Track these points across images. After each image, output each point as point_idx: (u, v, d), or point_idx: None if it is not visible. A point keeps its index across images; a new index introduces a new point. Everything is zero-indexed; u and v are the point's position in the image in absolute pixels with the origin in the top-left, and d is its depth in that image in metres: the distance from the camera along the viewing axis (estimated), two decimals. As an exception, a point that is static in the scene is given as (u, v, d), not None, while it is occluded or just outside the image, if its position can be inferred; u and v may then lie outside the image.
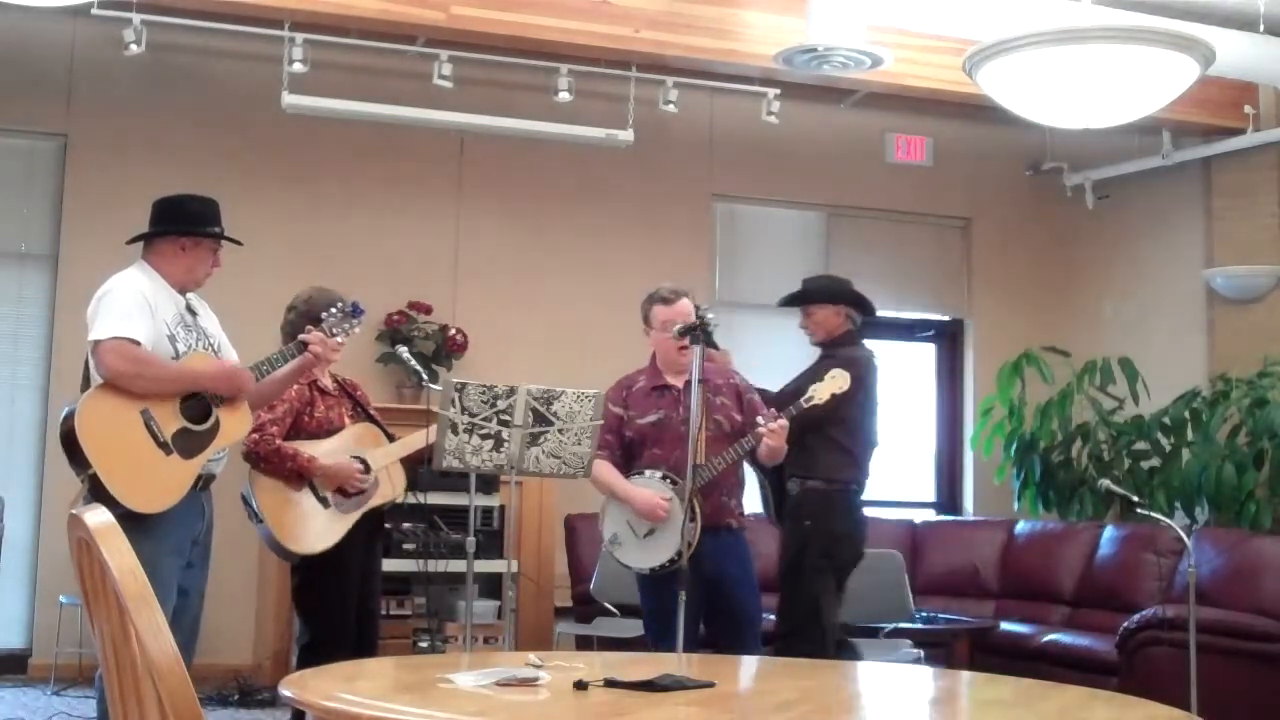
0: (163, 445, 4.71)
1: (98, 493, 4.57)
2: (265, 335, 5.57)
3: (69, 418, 4.64)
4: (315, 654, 5.66)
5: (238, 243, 5.16)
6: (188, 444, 4.77)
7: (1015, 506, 9.80)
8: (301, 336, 5.21)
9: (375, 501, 5.87)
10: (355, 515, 5.79)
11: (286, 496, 5.71)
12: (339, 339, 5.34)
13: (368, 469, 5.82)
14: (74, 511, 2.39)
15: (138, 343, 4.69)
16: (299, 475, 5.70)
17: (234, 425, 4.93)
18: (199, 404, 4.81)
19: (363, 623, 5.92)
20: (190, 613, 4.96)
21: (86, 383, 4.79)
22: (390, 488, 5.94)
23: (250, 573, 8.37)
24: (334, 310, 5.33)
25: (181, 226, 5.02)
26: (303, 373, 5.35)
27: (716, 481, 5.64)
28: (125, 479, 4.62)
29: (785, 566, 6.22)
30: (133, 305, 4.75)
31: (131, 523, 4.47)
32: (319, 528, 5.74)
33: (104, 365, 4.67)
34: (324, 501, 5.76)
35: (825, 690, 3.64)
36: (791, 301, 6.67)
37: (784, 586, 6.23)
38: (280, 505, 5.71)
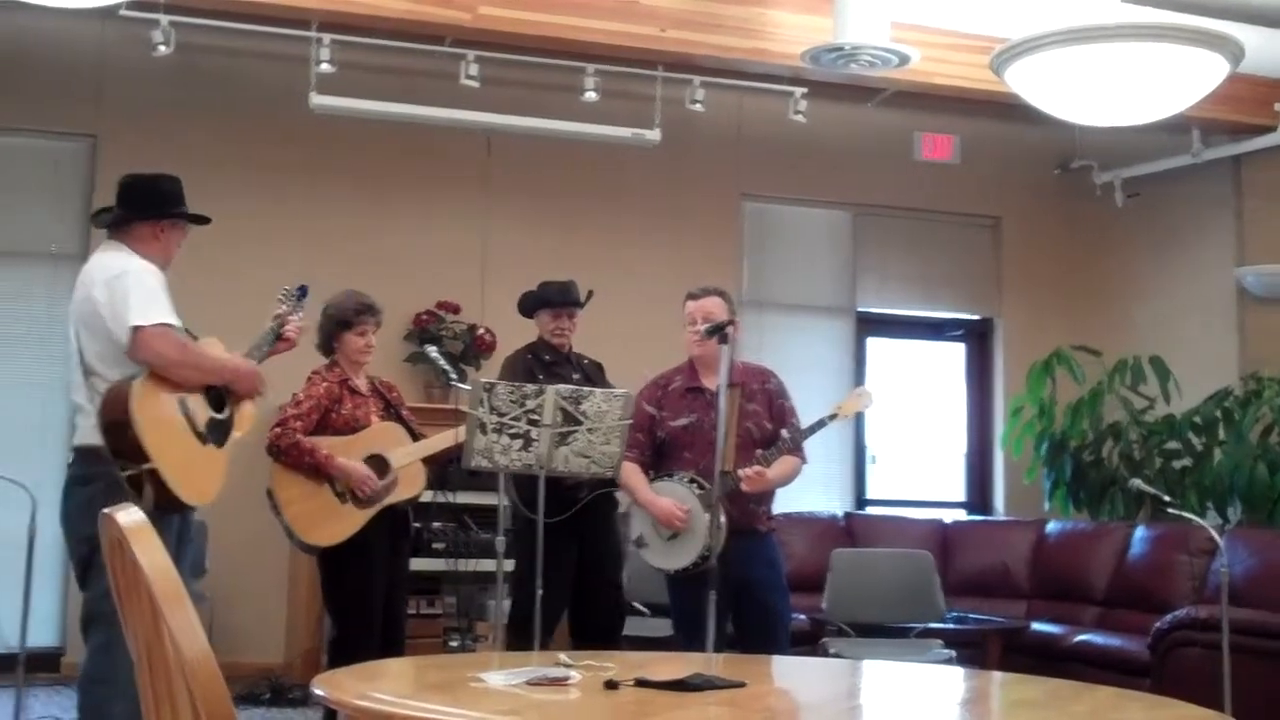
0: (199, 435, 4.72)
1: (157, 487, 4.52)
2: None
3: (115, 407, 4.56)
4: (342, 649, 5.74)
5: (206, 220, 5.10)
6: (217, 433, 4.78)
7: (1046, 506, 9.75)
8: (275, 323, 5.21)
9: (393, 499, 5.93)
10: (371, 511, 5.87)
11: (305, 490, 5.81)
12: (300, 321, 5.32)
13: (387, 466, 5.87)
14: (105, 511, 2.39)
15: (176, 328, 4.68)
16: (316, 470, 5.77)
17: (247, 413, 4.96)
18: (216, 394, 4.82)
19: (389, 622, 5.97)
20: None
21: (86, 371, 4.70)
22: (410, 486, 5.99)
23: (281, 572, 8.39)
24: (281, 296, 5.34)
25: (159, 210, 4.93)
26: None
27: (736, 493, 5.61)
28: (180, 472, 4.60)
29: None
30: (159, 289, 4.70)
31: (163, 523, 4.50)
32: (334, 521, 5.83)
33: (152, 351, 4.60)
34: (341, 496, 5.84)
35: (855, 690, 3.63)
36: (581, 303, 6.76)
37: None
38: (298, 498, 5.82)
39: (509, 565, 6.07)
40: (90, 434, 4.67)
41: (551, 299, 6.70)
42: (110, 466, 4.59)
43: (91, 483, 4.61)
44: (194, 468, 4.68)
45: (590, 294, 6.81)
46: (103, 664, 4.53)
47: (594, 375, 6.70)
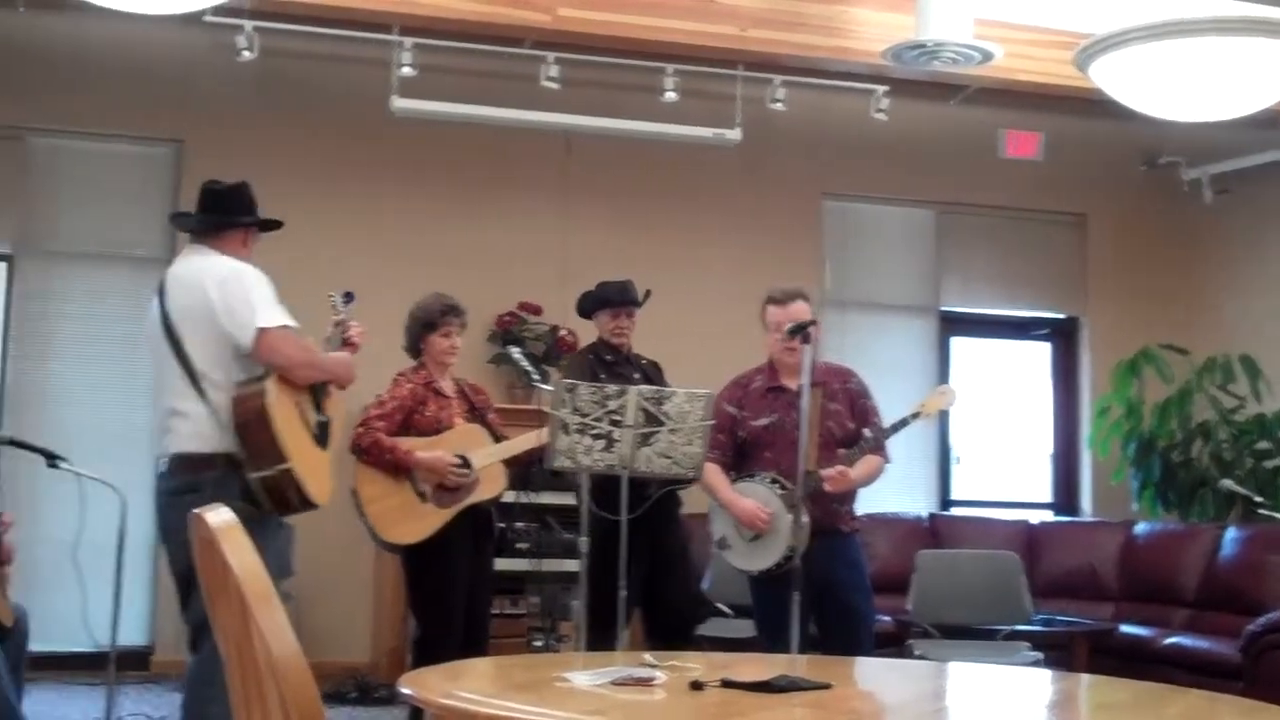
0: (313, 437, 4.77)
1: (280, 489, 4.56)
2: (373, 335, 5.60)
3: (252, 408, 4.58)
4: (424, 648, 5.79)
5: (279, 225, 5.16)
6: (321, 434, 4.83)
7: (1134, 507, 9.64)
8: (339, 331, 5.23)
9: (473, 499, 5.96)
10: (451, 511, 5.90)
11: (386, 488, 5.88)
12: (347, 321, 5.30)
13: (468, 466, 5.90)
14: (196, 511, 2.41)
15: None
16: (397, 468, 5.82)
17: (337, 413, 5.00)
18: (314, 393, 4.87)
19: (472, 622, 6.00)
20: None
21: (192, 374, 4.72)
22: (491, 487, 6.02)
23: (367, 572, 8.45)
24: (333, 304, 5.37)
25: (250, 215, 5.01)
26: None
27: (819, 493, 5.58)
28: (308, 472, 4.65)
29: None
30: (272, 292, 4.74)
31: (260, 527, 4.54)
32: (414, 520, 5.89)
33: (279, 354, 4.65)
34: (421, 495, 5.89)
35: (940, 692, 3.60)
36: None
37: None
38: (379, 496, 5.88)
39: (558, 566, 6.10)
40: (194, 440, 4.68)
41: (610, 298, 6.71)
42: (216, 472, 4.62)
43: (198, 491, 4.50)
44: (315, 468, 4.73)
45: (648, 293, 6.81)
46: (211, 667, 4.57)
47: (653, 375, 6.70)
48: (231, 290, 4.68)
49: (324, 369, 4.86)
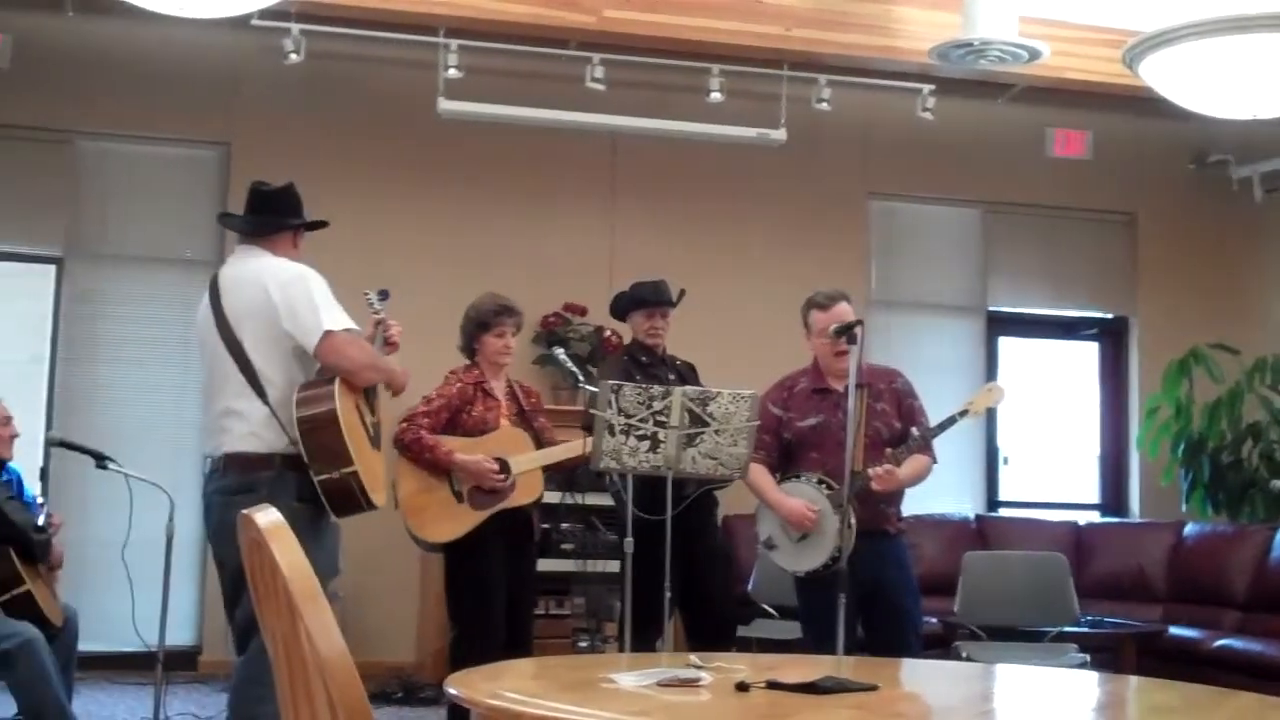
0: (371, 439, 4.80)
1: (344, 491, 4.58)
2: (420, 337, 5.63)
3: (319, 409, 4.58)
4: (459, 649, 5.79)
5: (324, 225, 5.19)
6: (375, 435, 4.86)
7: (1183, 508, 9.56)
8: (381, 330, 5.23)
9: (508, 504, 5.96)
10: (485, 513, 5.91)
11: (424, 485, 5.91)
12: (387, 320, 5.28)
13: (507, 471, 5.90)
14: (244, 512, 2.42)
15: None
16: (436, 466, 5.85)
17: (384, 413, 5.03)
18: (369, 397, 4.90)
19: (515, 623, 6.00)
20: None
21: (249, 373, 4.72)
22: (527, 493, 6.03)
23: (413, 572, 8.47)
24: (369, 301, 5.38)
25: (301, 216, 5.03)
26: None
27: (867, 492, 5.56)
28: (367, 475, 4.67)
29: None
30: (331, 295, 4.75)
31: (311, 527, 4.56)
32: (448, 519, 5.91)
33: (345, 356, 4.66)
34: (458, 495, 5.91)
35: (988, 695, 3.58)
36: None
37: None
38: (416, 493, 5.92)
39: (603, 566, 6.09)
40: (249, 440, 4.68)
41: (644, 298, 6.69)
42: (272, 473, 4.63)
43: (253, 491, 4.50)
44: (374, 470, 4.76)
45: (682, 292, 6.79)
46: (260, 665, 4.59)
47: (688, 377, 6.69)
48: (295, 293, 4.68)
49: (384, 372, 4.89)
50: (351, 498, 4.61)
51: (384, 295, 5.41)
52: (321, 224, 5.16)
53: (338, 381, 4.64)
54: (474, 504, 5.92)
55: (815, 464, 5.68)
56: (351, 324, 4.72)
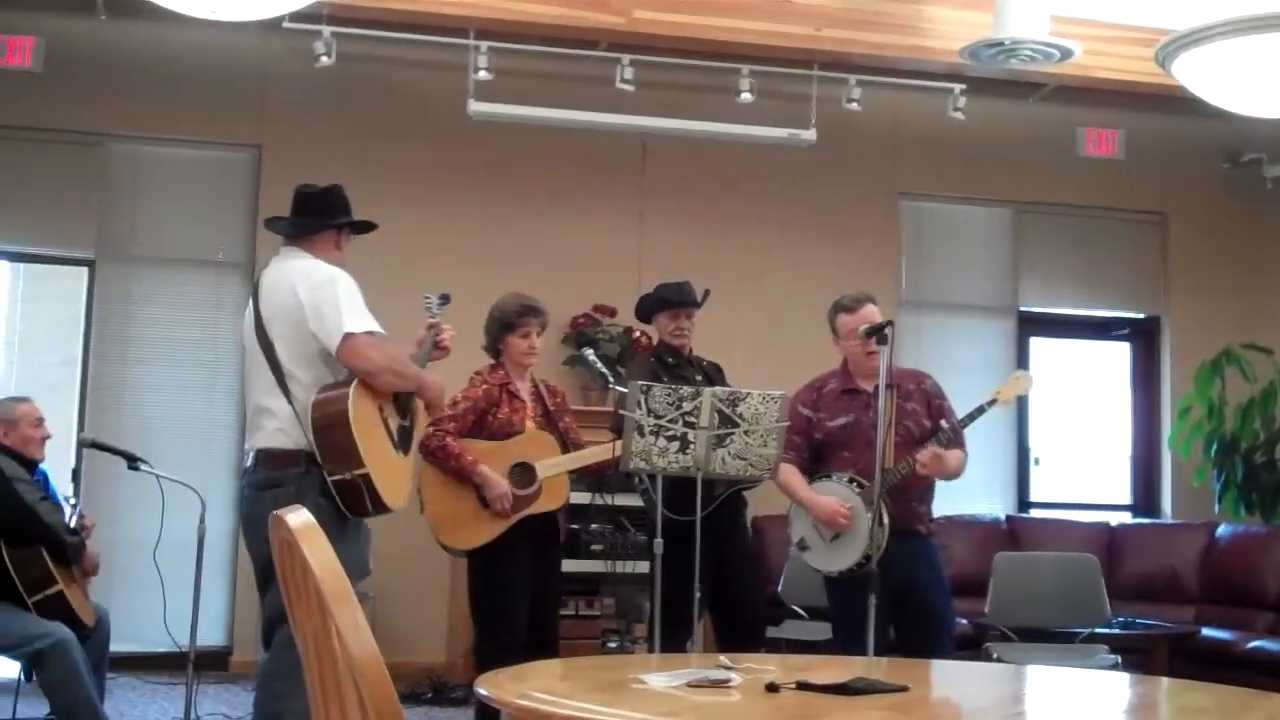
0: (395, 443, 4.80)
1: (354, 492, 4.61)
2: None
3: (332, 410, 4.62)
4: (481, 653, 5.79)
5: (374, 227, 5.21)
6: (404, 440, 4.86)
7: (1215, 509, 9.51)
8: (433, 333, 5.20)
9: (534, 510, 5.95)
10: (510, 521, 5.90)
11: (449, 491, 5.89)
12: (439, 324, 5.26)
13: (533, 475, 5.90)
14: (276, 513, 2.43)
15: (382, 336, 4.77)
16: (461, 474, 5.83)
17: (422, 419, 5.02)
18: (401, 399, 4.90)
19: (540, 627, 5.99)
20: None
21: (280, 376, 4.77)
22: (553, 498, 6.02)
23: (443, 573, 8.46)
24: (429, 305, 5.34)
25: (342, 217, 5.05)
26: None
27: (905, 486, 5.55)
28: (384, 477, 4.68)
29: None
30: (361, 297, 4.77)
31: (338, 525, 4.58)
32: (473, 526, 5.90)
33: (365, 358, 4.67)
34: (484, 501, 5.89)
35: (1019, 695, 3.57)
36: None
37: None
38: (442, 498, 5.90)
39: (633, 567, 6.06)
40: (278, 436, 4.75)
41: (669, 299, 6.68)
42: (300, 469, 4.68)
43: (281, 485, 4.65)
44: (392, 473, 4.76)
45: (707, 293, 6.78)
46: (285, 661, 4.63)
47: (714, 377, 6.68)
48: (321, 294, 4.72)
49: (407, 378, 4.86)
50: (360, 500, 4.62)
51: (444, 299, 5.35)
52: (369, 226, 5.18)
53: (355, 383, 4.67)
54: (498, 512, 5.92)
55: (846, 463, 5.67)
56: (375, 327, 4.73)
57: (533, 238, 9.07)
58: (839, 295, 5.85)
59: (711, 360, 6.84)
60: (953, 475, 5.73)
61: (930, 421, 5.70)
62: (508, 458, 5.93)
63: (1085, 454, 10.47)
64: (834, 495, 5.63)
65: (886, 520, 5.40)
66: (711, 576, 6.19)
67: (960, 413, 5.74)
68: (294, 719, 4.43)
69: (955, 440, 5.64)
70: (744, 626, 6.51)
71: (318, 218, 5.00)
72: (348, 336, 4.65)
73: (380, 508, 4.70)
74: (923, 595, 5.61)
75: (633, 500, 7.47)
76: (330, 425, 4.62)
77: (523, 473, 5.94)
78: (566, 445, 6.12)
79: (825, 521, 5.61)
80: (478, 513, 5.89)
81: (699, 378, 6.50)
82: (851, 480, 5.61)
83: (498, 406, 5.99)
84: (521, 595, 5.93)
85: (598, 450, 6.04)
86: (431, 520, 5.89)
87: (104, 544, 6.65)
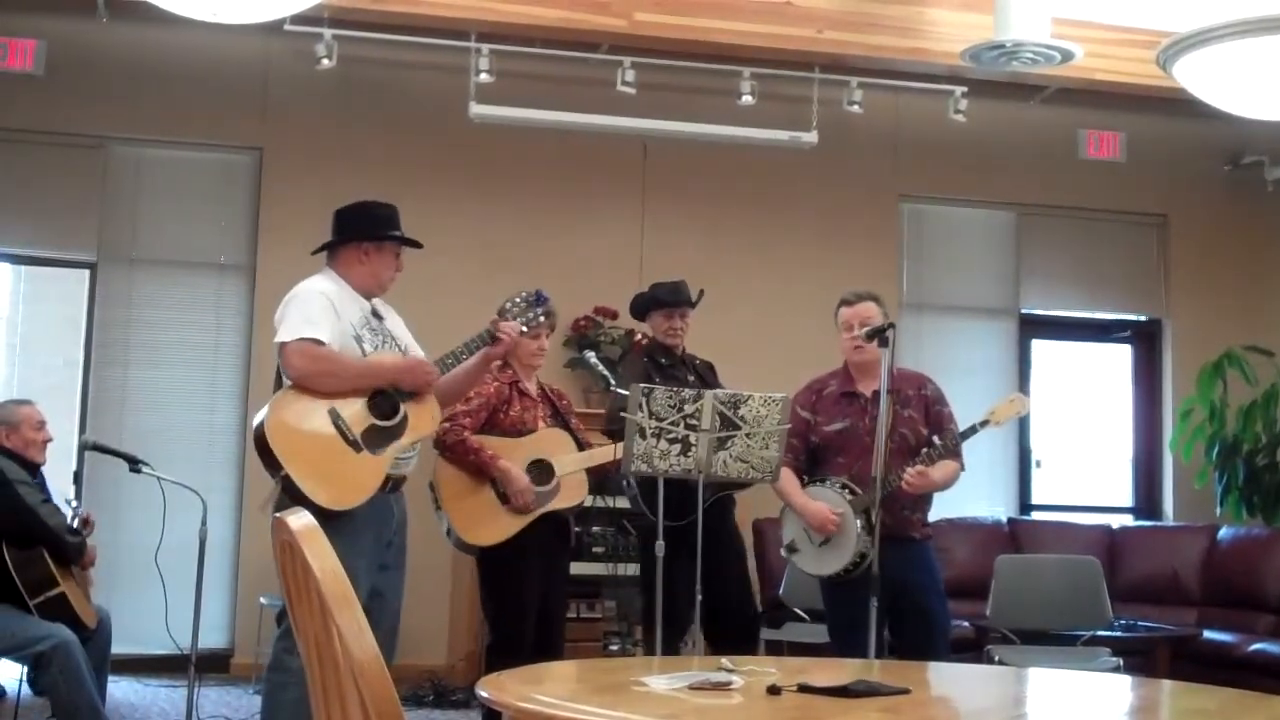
0: (352, 443, 4.81)
1: (291, 492, 4.70)
2: (452, 340, 5.62)
3: (258, 415, 4.79)
4: (496, 653, 5.78)
5: (417, 244, 5.23)
6: (377, 440, 4.86)
7: (1217, 511, 9.50)
8: (490, 325, 5.20)
9: (554, 506, 5.95)
10: (531, 516, 5.91)
11: (468, 487, 5.90)
12: (522, 326, 5.27)
13: (551, 473, 5.89)
14: (278, 515, 2.43)
15: (321, 343, 4.80)
16: (480, 469, 5.84)
17: (422, 420, 5.00)
18: (387, 401, 4.90)
19: (546, 626, 6.00)
20: (388, 616, 5.04)
21: (279, 385, 4.93)
22: (572, 495, 6.02)
23: (444, 574, 8.49)
24: (517, 300, 5.32)
25: (361, 233, 5.10)
26: (488, 364, 5.33)
27: (897, 494, 5.54)
28: (315, 477, 4.72)
29: None
30: (316, 308, 4.86)
31: (321, 522, 4.59)
32: (493, 522, 5.90)
33: (290, 366, 4.82)
34: (503, 498, 5.89)
35: (1021, 699, 3.57)
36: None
37: None
38: (460, 495, 5.91)
39: (634, 570, 6.05)
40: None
41: (663, 299, 6.69)
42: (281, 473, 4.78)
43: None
44: (334, 474, 4.78)
45: (701, 293, 6.79)
46: (286, 652, 4.70)
47: (707, 376, 6.68)
48: (284, 310, 4.91)
49: (348, 377, 4.87)
50: (301, 500, 4.61)
51: (540, 299, 5.31)
52: (405, 240, 5.21)
53: (285, 388, 4.85)
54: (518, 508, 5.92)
55: (841, 469, 5.67)
56: (311, 334, 4.80)
57: (534, 240, 9.07)
58: (845, 292, 5.86)
59: (705, 360, 6.84)
60: (941, 489, 5.74)
61: (927, 430, 5.69)
62: (525, 455, 5.94)
63: (1087, 456, 10.47)
64: (825, 500, 5.63)
65: (876, 527, 5.37)
66: (703, 578, 6.20)
67: (960, 421, 5.73)
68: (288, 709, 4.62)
69: (946, 454, 5.63)
70: (736, 627, 6.50)
71: (337, 235, 5.13)
72: (280, 346, 4.85)
73: (315, 509, 4.69)
74: (917, 597, 5.60)
75: (634, 503, 7.48)
76: (256, 433, 4.77)
77: (541, 471, 5.94)
78: (580, 444, 6.13)
79: (815, 526, 5.62)
80: (497, 509, 5.89)
81: (691, 377, 6.50)
82: (844, 486, 5.60)
83: (509, 404, 6.01)
84: (534, 595, 5.95)
85: (609, 450, 6.04)
86: (452, 518, 5.88)
87: (105, 546, 6.66)
